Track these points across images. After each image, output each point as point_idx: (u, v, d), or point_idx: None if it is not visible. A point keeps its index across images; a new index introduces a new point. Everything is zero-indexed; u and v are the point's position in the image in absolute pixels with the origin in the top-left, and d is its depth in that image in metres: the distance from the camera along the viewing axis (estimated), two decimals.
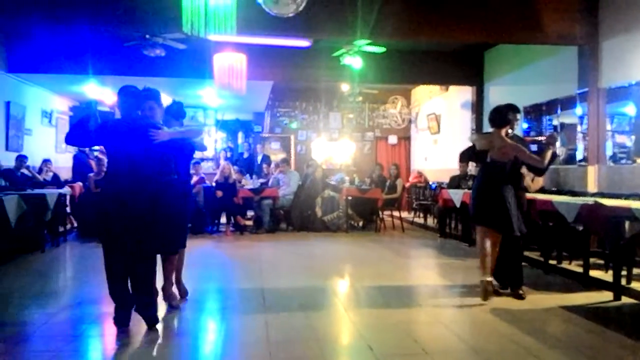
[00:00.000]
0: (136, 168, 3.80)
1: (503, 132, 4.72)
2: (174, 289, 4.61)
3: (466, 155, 5.42)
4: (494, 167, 4.66)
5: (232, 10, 4.62)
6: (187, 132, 4.33)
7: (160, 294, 4.41)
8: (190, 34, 4.63)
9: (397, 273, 6.30)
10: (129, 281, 3.87)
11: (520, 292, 4.75)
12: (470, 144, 5.14)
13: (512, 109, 4.85)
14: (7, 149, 9.35)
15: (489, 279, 4.62)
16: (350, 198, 9.84)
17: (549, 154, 4.65)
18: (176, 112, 4.64)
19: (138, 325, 3.91)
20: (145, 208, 3.80)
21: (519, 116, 4.93)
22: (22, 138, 10.01)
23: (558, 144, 5.18)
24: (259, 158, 12.58)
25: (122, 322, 3.86)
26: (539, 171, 5.01)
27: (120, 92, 4.01)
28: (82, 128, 3.87)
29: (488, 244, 4.67)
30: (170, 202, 4.19)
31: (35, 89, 10.75)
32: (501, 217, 4.59)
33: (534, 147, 5.59)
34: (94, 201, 4.62)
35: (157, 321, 3.90)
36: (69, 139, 4.08)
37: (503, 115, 4.75)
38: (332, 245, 8.34)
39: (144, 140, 3.78)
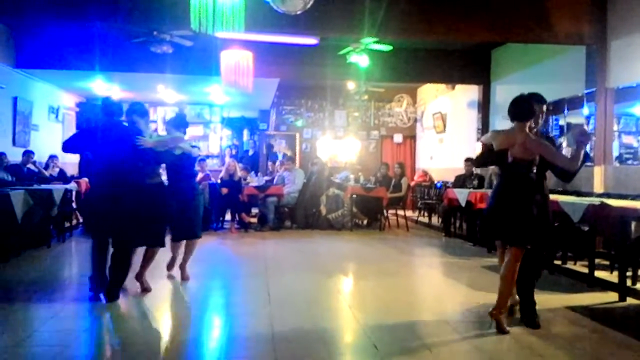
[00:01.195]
0: (118, 172, 4.38)
1: (526, 126, 3.89)
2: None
3: (482, 160, 4.51)
4: (516, 168, 3.87)
5: (240, 7, 4.63)
6: (168, 140, 4.87)
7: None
8: (199, 31, 4.64)
9: (402, 271, 6.30)
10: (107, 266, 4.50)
11: (536, 319, 4.02)
12: (483, 146, 4.36)
13: (537, 99, 4.04)
14: (14, 144, 9.40)
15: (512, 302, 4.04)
16: (355, 196, 9.84)
17: (581, 155, 3.78)
18: (179, 123, 5.18)
19: (142, 321, 3.93)
20: (125, 206, 4.38)
21: (544, 108, 4.10)
22: (29, 134, 10.07)
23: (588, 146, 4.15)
24: (280, 156, 12.59)
25: (96, 298, 4.50)
26: (567, 176, 4.08)
27: (107, 104, 4.67)
28: (76, 140, 4.62)
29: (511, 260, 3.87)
30: (152, 202, 4.67)
31: (42, 84, 10.81)
32: (519, 228, 3.82)
33: None
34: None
35: (116, 298, 4.48)
36: (65, 148, 4.67)
37: (527, 106, 3.94)
38: (337, 243, 8.35)
39: (127, 146, 4.36)
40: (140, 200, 4.51)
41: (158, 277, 5.56)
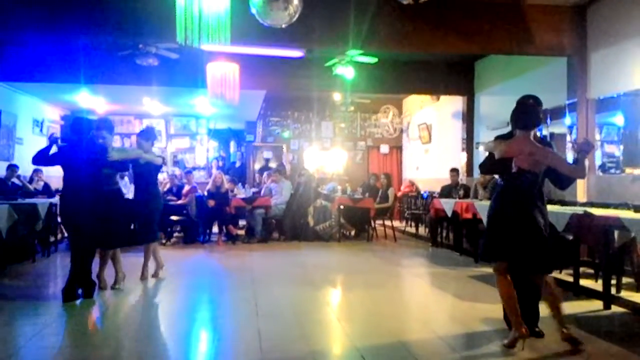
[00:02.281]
0: (83, 181, 4.94)
1: (532, 134, 3.67)
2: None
3: (489, 167, 3.98)
4: (521, 179, 3.60)
5: (226, 20, 4.65)
6: (130, 153, 5.90)
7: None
8: (184, 44, 4.65)
9: (390, 282, 6.31)
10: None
11: (537, 329, 3.90)
12: (485, 153, 4.09)
13: (539, 102, 3.77)
14: None
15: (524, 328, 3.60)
16: (342, 207, 9.86)
17: (586, 163, 3.67)
18: (147, 135, 5.90)
19: (127, 336, 3.89)
20: (88, 211, 4.95)
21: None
22: (13, 147, 9.97)
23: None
24: (289, 167, 12.60)
25: (69, 296, 4.86)
26: (566, 184, 3.85)
27: (75, 122, 5.32)
28: (45, 155, 5.08)
29: (510, 286, 3.64)
30: (108, 207, 5.17)
31: (26, 97, 10.72)
32: (532, 248, 3.55)
33: None
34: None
35: (89, 296, 4.99)
36: (35, 162, 5.18)
37: (535, 112, 3.65)
38: (325, 255, 8.35)
39: (92, 159, 4.97)
40: (101, 204, 5.07)
41: (147, 289, 5.53)
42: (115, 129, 5.80)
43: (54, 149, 5.16)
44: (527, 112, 3.69)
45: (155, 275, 6.04)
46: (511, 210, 3.62)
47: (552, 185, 3.93)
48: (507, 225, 3.62)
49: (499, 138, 3.84)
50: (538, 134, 3.81)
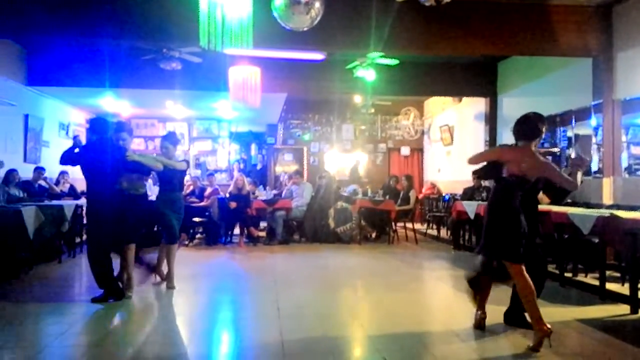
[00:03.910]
0: (103, 180, 5.05)
1: (533, 145, 3.95)
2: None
3: (488, 172, 4.32)
4: (506, 180, 3.91)
5: (249, 24, 4.69)
6: (149, 157, 5.86)
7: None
8: (207, 48, 4.70)
9: (411, 285, 6.28)
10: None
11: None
12: (483, 157, 4.37)
13: (541, 119, 4.05)
14: (25, 160, 9.51)
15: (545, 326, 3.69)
16: (363, 209, 9.84)
17: (579, 177, 3.95)
18: (174, 139, 6.00)
19: (151, 336, 3.94)
20: (108, 210, 5.07)
21: (544, 129, 4.06)
22: (40, 150, 10.18)
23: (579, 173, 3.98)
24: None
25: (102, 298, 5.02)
26: (562, 196, 4.26)
27: (93, 122, 5.56)
28: (70, 154, 5.27)
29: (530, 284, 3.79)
30: (129, 209, 5.31)
31: (53, 101, 10.95)
32: (510, 243, 3.85)
33: None
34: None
35: (118, 296, 5.09)
36: (62, 162, 5.35)
37: (533, 125, 3.96)
38: (345, 257, 8.34)
39: (111, 159, 5.06)
40: (120, 205, 5.19)
41: (170, 291, 5.59)
42: (134, 131, 6.02)
43: (77, 150, 5.31)
44: (525, 125, 4.00)
45: (160, 277, 5.96)
46: (500, 212, 3.93)
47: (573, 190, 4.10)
48: (486, 222, 4.02)
49: (503, 146, 4.25)
50: (540, 150, 4.13)
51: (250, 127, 15.15)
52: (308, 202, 9.98)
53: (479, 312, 4.21)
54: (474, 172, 9.46)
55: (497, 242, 3.91)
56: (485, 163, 4.21)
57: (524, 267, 3.80)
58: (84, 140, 5.61)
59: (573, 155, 4.08)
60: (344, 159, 14.14)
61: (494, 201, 4.01)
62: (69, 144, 8.71)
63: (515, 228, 3.82)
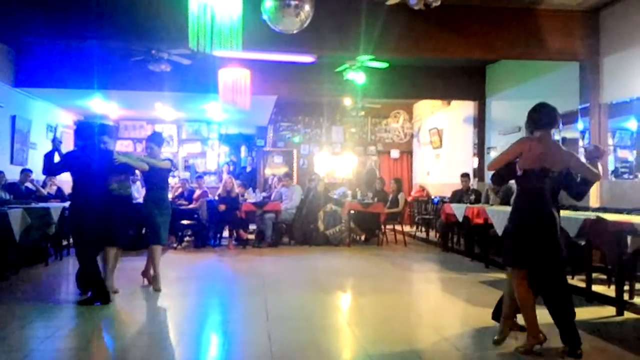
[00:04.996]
0: (92, 184, 5.04)
1: (552, 134, 3.69)
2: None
3: (504, 176, 3.94)
4: (533, 183, 3.61)
5: (238, 27, 4.68)
6: (134, 157, 5.82)
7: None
8: (197, 50, 4.69)
9: (400, 287, 6.30)
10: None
11: (579, 351, 3.56)
12: (501, 160, 3.85)
13: (555, 108, 3.75)
14: (12, 162, 9.41)
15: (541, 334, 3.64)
16: (352, 212, 9.86)
17: (600, 167, 3.69)
18: (159, 140, 5.98)
19: (139, 339, 3.91)
20: (96, 214, 5.04)
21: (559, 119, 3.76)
22: (27, 152, 10.08)
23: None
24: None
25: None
26: (578, 193, 3.90)
27: (80, 127, 5.57)
28: (50, 162, 5.20)
29: (529, 292, 3.64)
30: (116, 211, 5.32)
31: (40, 103, 10.85)
32: (548, 251, 3.56)
33: None
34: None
35: (106, 301, 4.96)
36: (45, 173, 5.44)
37: (551, 110, 3.67)
38: (335, 259, 8.35)
39: (98, 163, 5.07)
40: (109, 208, 5.19)
41: (158, 294, 5.56)
42: (118, 133, 6.04)
43: (57, 157, 5.22)
44: (544, 112, 3.69)
45: (148, 280, 5.88)
46: (530, 217, 3.61)
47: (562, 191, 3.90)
48: (527, 232, 3.61)
49: (521, 140, 3.77)
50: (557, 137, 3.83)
51: (240, 130, 15.12)
52: (297, 204, 9.98)
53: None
54: (464, 175, 9.59)
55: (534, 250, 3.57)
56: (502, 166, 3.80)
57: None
58: (65, 142, 5.54)
59: (589, 147, 3.77)
60: (334, 162, 14.15)
61: (534, 203, 3.60)
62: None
63: (553, 240, 3.54)
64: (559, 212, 3.72)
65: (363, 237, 10.45)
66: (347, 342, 4.15)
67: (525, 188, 3.68)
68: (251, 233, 10.11)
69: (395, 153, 14.61)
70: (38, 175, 9.52)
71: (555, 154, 3.59)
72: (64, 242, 8.09)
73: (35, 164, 9.99)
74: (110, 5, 6.43)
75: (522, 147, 3.64)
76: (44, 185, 9.43)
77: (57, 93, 10.15)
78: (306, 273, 7.10)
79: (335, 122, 14.42)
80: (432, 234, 10.70)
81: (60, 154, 5.26)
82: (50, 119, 11.46)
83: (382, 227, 10.05)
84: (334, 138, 14.46)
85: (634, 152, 6.90)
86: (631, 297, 5.01)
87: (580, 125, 7.28)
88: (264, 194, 11.19)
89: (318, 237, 9.74)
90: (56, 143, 5.30)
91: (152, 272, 5.79)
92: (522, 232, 3.65)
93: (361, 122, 14.33)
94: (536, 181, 3.59)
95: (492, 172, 3.87)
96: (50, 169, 5.31)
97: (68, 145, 11.82)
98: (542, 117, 3.67)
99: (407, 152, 14.71)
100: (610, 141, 7.13)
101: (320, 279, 6.73)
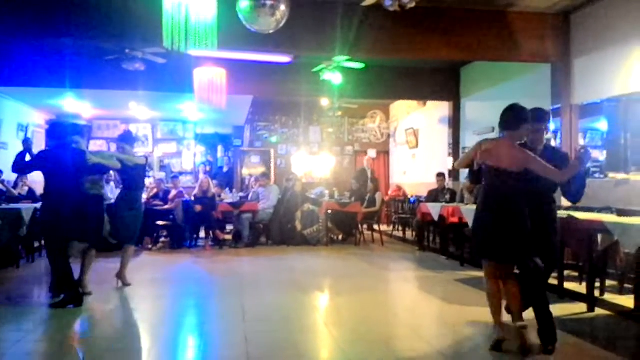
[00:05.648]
0: (65, 185, 4.95)
1: (517, 138, 3.77)
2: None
3: (478, 175, 4.03)
4: (502, 179, 3.70)
5: (213, 26, 4.65)
6: (106, 156, 5.79)
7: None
8: (171, 49, 4.65)
9: (378, 286, 6.33)
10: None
11: (550, 347, 3.69)
12: (468, 160, 4.09)
13: (524, 110, 3.80)
14: None
15: (521, 323, 3.72)
16: (330, 212, 9.88)
17: (572, 170, 3.71)
18: (130, 139, 6.00)
19: (112, 343, 3.86)
20: (70, 215, 4.94)
21: (528, 122, 3.77)
22: None
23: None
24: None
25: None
26: (572, 195, 4.03)
27: (52, 128, 5.56)
28: (21, 161, 5.15)
29: (496, 284, 3.78)
30: (90, 210, 5.24)
31: (11, 102, 10.61)
32: (512, 243, 3.66)
33: None
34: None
35: (79, 304, 4.90)
36: (14, 170, 5.34)
37: (516, 114, 3.75)
38: (312, 259, 8.35)
39: (71, 164, 4.99)
40: (82, 208, 5.10)
41: (132, 296, 5.49)
42: (91, 133, 5.97)
43: (28, 157, 5.16)
44: (506, 114, 3.79)
45: (122, 282, 5.84)
46: (485, 211, 3.79)
47: None
48: (486, 226, 3.76)
49: (481, 141, 3.91)
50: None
51: (216, 129, 15.01)
52: (275, 204, 9.95)
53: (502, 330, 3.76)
54: (440, 174, 9.69)
55: (505, 245, 3.66)
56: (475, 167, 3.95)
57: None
58: (37, 142, 5.43)
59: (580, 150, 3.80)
60: (311, 162, 14.14)
61: (492, 200, 3.75)
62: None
63: (522, 228, 3.64)
64: (551, 210, 3.89)
65: (341, 237, 10.47)
66: (325, 342, 4.16)
67: (486, 185, 3.84)
68: (228, 234, 10.05)
69: (372, 153, 14.66)
70: (9, 175, 9.32)
71: (507, 154, 3.66)
72: (36, 244, 7.92)
73: (6, 164, 9.75)
74: (83, 3, 6.32)
75: (477, 147, 3.81)
76: (15, 186, 9.22)
77: (28, 92, 9.94)
78: (284, 273, 7.09)
79: (313, 122, 14.42)
80: (409, 233, 10.79)
81: (31, 155, 5.16)
82: (22, 119, 11.22)
83: (360, 226, 10.08)
84: (312, 138, 14.46)
85: (604, 152, 7.06)
86: (602, 294, 5.13)
87: (552, 125, 7.41)
88: (241, 194, 11.13)
89: (296, 237, 9.73)
90: (28, 144, 5.22)
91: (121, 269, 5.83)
92: (480, 226, 3.81)
93: (338, 122, 14.36)
94: (496, 179, 3.72)
95: (459, 169, 4.04)
96: (20, 167, 5.25)
97: (40, 145, 11.59)
98: (507, 119, 3.76)
99: (384, 152, 14.79)
100: (581, 141, 7.28)
101: (298, 279, 6.72)
